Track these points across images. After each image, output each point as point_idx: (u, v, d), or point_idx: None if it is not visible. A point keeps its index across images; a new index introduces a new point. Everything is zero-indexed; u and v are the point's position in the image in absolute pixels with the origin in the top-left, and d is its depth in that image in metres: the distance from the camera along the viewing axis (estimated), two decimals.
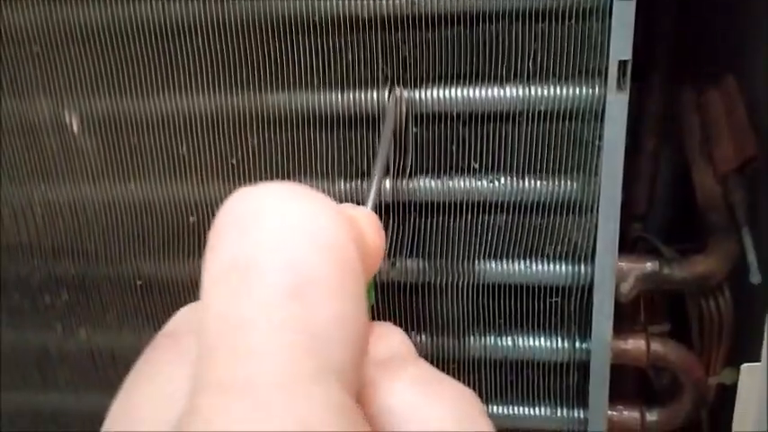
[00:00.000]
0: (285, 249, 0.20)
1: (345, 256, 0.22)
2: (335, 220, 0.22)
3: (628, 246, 0.52)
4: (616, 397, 0.45)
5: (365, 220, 0.27)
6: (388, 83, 0.41)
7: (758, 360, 0.42)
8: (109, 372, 0.50)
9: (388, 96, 0.40)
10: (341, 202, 0.43)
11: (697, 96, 0.50)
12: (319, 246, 0.21)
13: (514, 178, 0.42)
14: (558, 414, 0.46)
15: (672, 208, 0.56)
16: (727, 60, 0.51)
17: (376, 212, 0.33)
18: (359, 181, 0.43)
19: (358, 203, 0.43)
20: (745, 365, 0.43)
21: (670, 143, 0.54)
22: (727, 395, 0.47)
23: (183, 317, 0.26)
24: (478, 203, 0.42)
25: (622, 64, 0.38)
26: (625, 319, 0.47)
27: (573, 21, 0.38)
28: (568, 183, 0.41)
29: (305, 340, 0.19)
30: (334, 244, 0.21)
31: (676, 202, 0.55)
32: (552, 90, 0.40)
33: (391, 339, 0.28)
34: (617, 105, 0.38)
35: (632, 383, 0.52)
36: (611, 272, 0.41)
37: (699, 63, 0.52)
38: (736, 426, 0.44)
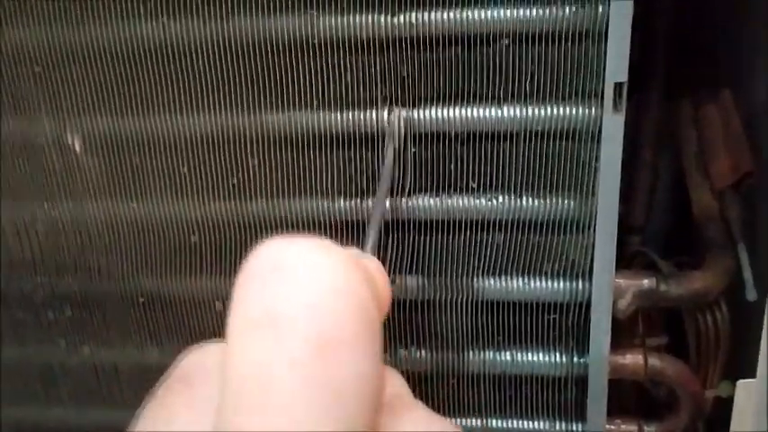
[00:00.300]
0: (311, 305, 0.21)
1: (366, 308, 0.22)
2: (356, 274, 0.23)
3: (626, 259, 0.52)
4: (614, 411, 0.46)
5: (375, 266, 0.28)
6: (387, 103, 0.41)
7: (754, 374, 0.42)
8: (112, 387, 0.50)
9: (388, 117, 0.41)
10: (341, 221, 0.44)
11: (694, 111, 0.51)
12: (343, 300, 0.22)
13: (512, 197, 0.42)
14: (557, 428, 0.47)
15: (670, 219, 0.56)
16: (725, 75, 0.51)
17: (376, 253, 0.34)
18: (358, 200, 0.43)
19: (357, 222, 0.44)
20: (740, 381, 0.43)
21: (668, 155, 0.55)
22: (723, 408, 0.47)
23: (195, 361, 0.27)
24: (477, 222, 0.43)
25: (618, 86, 0.38)
26: (622, 332, 0.48)
27: (569, 43, 0.39)
28: (566, 201, 0.42)
29: (328, 398, 0.20)
30: (355, 298, 0.22)
31: (674, 213, 0.56)
32: (549, 110, 0.40)
33: (392, 382, 0.29)
34: (613, 126, 0.39)
35: (630, 397, 0.53)
36: (609, 289, 0.42)
37: (696, 78, 0.53)
38: None
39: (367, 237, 0.36)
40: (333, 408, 0.20)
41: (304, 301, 0.21)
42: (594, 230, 0.41)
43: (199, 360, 0.26)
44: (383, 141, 0.42)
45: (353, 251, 0.32)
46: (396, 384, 0.29)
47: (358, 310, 0.22)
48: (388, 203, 0.43)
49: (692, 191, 0.49)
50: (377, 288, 0.26)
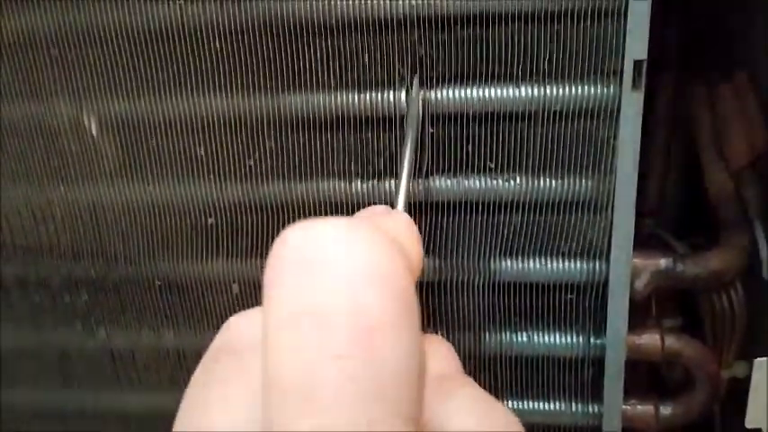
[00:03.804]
0: (350, 294, 0.21)
1: (402, 287, 0.22)
2: (390, 253, 0.22)
3: (640, 242, 0.52)
4: (629, 392, 0.46)
5: (405, 230, 0.28)
6: (405, 84, 0.41)
7: None
8: (128, 371, 0.50)
9: (406, 96, 0.41)
10: (358, 203, 0.44)
11: (708, 92, 0.51)
12: (380, 285, 0.21)
13: (530, 177, 0.42)
14: (573, 409, 0.47)
15: (683, 202, 0.56)
16: (739, 56, 0.51)
17: (407, 210, 0.33)
18: (375, 181, 0.43)
19: (374, 204, 0.44)
20: (757, 360, 0.43)
21: (681, 139, 0.55)
22: (739, 388, 0.48)
23: (241, 330, 0.26)
24: (494, 202, 0.43)
25: (638, 64, 0.38)
26: (638, 315, 0.48)
27: (588, 22, 0.39)
28: (583, 181, 0.42)
29: (374, 387, 0.20)
30: (392, 280, 0.22)
31: (687, 196, 0.56)
32: (567, 90, 0.40)
33: (440, 355, 0.28)
34: (632, 104, 0.39)
35: (644, 378, 0.53)
36: (627, 268, 0.42)
37: (710, 59, 0.53)
38: (749, 419, 0.44)
39: (397, 192, 0.35)
40: (378, 395, 0.20)
41: (339, 291, 0.21)
42: (612, 210, 0.41)
43: (245, 329, 0.26)
44: (400, 123, 0.42)
45: (379, 209, 0.32)
46: (443, 357, 0.28)
47: (394, 288, 0.22)
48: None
49: (707, 171, 0.49)
50: (406, 251, 0.25)
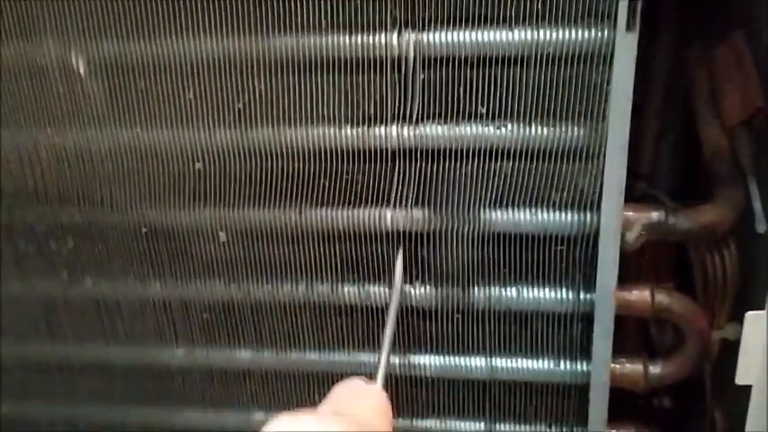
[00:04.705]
0: None
1: None
2: None
3: (633, 201, 0.51)
4: (619, 351, 0.45)
5: (376, 407, 0.34)
6: (397, 25, 0.41)
7: (763, 307, 0.42)
8: (114, 322, 0.50)
9: (397, 38, 0.40)
10: (347, 149, 0.43)
11: (705, 52, 0.50)
12: None
13: (521, 124, 0.42)
14: (562, 367, 0.46)
15: (677, 165, 0.55)
16: (736, 15, 0.50)
17: (386, 386, 0.37)
18: (366, 127, 0.43)
19: (363, 150, 0.43)
20: (749, 313, 0.42)
21: (675, 103, 0.54)
22: (730, 350, 0.47)
23: None
24: (485, 150, 0.42)
25: (632, 4, 0.37)
26: (629, 271, 0.47)
27: None
28: (575, 128, 0.41)
29: None
30: None
31: (681, 160, 0.55)
32: (561, 33, 0.40)
33: None
34: (626, 46, 0.38)
35: (634, 339, 0.52)
36: (617, 218, 0.41)
37: (707, 19, 0.52)
38: (739, 375, 0.43)
39: (378, 367, 0.38)
40: None
41: None
42: (604, 157, 0.40)
43: None
44: (392, 66, 0.41)
45: (357, 384, 0.35)
46: None
47: None
48: (394, 130, 0.42)
49: (702, 129, 0.48)
50: (375, 428, 0.31)
